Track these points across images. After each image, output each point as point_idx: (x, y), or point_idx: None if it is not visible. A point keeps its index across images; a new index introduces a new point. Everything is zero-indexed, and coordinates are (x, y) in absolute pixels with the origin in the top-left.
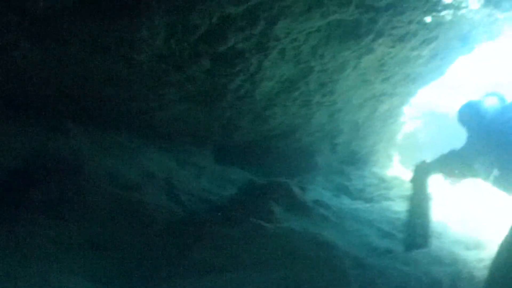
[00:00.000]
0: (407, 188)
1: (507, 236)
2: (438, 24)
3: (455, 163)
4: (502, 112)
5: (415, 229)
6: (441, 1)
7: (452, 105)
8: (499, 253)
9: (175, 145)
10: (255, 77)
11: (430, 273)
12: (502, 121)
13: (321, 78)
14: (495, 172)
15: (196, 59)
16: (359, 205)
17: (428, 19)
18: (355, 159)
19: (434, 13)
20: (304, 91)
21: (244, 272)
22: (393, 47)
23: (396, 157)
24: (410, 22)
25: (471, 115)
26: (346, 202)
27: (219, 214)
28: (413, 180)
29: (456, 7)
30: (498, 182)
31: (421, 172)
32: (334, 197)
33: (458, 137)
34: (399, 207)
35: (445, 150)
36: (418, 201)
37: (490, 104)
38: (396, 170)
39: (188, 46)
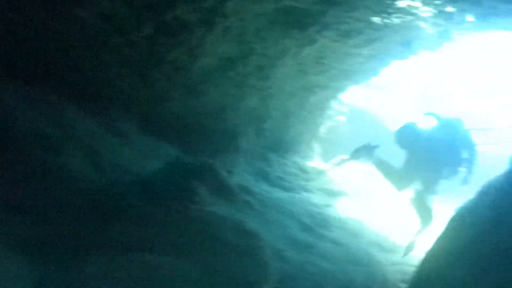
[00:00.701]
0: (326, 182)
1: (433, 245)
2: (384, 26)
3: None
4: (438, 131)
5: None
6: (395, 4)
7: (378, 105)
8: (425, 261)
9: (102, 109)
10: (195, 51)
11: (347, 272)
12: (437, 140)
13: (259, 62)
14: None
15: (140, 24)
16: (280, 194)
17: (376, 19)
18: (279, 147)
19: (384, 15)
20: (240, 72)
21: (164, 254)
22: (336, 41)
23: (317, 149)
24: (358, 20)
25: (407, 137)
26: (265, 189)
27: (141, 188)
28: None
29: (407, 12)
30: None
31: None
32: (255, 183)
33: (378, 137)
34: (318, 200)
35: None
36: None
37: (426, 124)
38: (316, 162)
39: (134, 9)
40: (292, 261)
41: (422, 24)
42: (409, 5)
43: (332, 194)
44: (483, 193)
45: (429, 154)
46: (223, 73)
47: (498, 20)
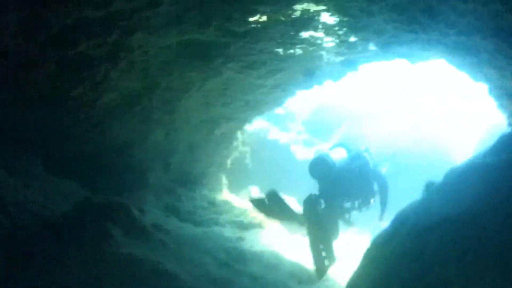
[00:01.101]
0: (236, 214)
1: (353, 277)
2: (288, 56)
3: None
4: (350, 162)
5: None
6: (298, 35)
7: (282, 135)
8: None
9: (3, 149)
10: (100, 86)
11: None
12: (349, 170)
13: (164, 95)
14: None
15: (42, 61)
16: (193, 229)
17: (280, 50)
18: (187, 180)
19: (287, 46)
20: (146, 106)
21: None
22: (240, 73)
23: (225, 181)
24: (261, 51)
25: (321, 168)
26: (178, 225)
27: (52, 232)
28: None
29: (310, 42)
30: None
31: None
32: (168, 220)
33: (284, 165)
34: (230, 233)
35: (272, 178)
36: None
37: (338, 155)
38: (225, 194)
39: (36, 46)
40: None
41: (324, 54)
42: (312, 36)
43: (244, 226)
44: (400, 222)
45: (341, 185)
46: (128, 108)
47: (400, 49)
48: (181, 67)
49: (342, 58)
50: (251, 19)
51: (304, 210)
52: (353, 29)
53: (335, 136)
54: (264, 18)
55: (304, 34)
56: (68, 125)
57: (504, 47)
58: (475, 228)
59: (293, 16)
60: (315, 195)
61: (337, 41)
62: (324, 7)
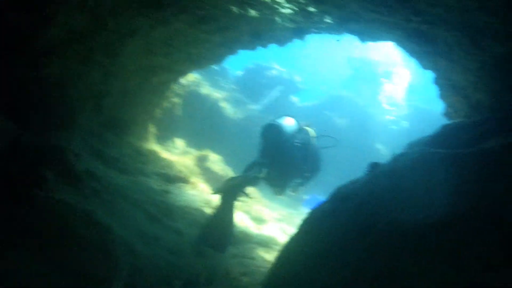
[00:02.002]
0: (162, 166)
1: (287, 248)
2: (241, 16)
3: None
4: (296, 133)
5: (220, 236)
6: None
7: (213, 91)
8: (280, 264)
9: None
10: (47, 21)
11: (192, 265)
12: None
13: (110, 38)
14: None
15: None
16: (121, 178)
17: (234, 8)
18: (116, 125)
19: (244, 5)
20: (89, 46)
21: (9, 247)
22: (189, 25)
23: (153, 131)
24: (215, 7)
25: (273, 134)
26: (105, 171)
27: None
28: (223, 195)
29: (268, 6)
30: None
31: (230, 190)
32: (98, 165)
33: (212, 120)
34: (156, 185)
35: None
36: (224, 213)
37: (288, 124)
38: (152, 144)
39: None
40: (142, 255)
41: (278, 19)
42: (273, 1)
43: (169, 179)
44: (341, 199)
45: (283, 153)
46: (70, 46)
47: (355, 26)
48: (132, 12)
49: (294, 25)
50: None
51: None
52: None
53: (265, 99)
54: None
55: None
56: (7, 57)
57: (465, 42)
58: (432, 223)
59: None
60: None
61: (296, 9)
62: None
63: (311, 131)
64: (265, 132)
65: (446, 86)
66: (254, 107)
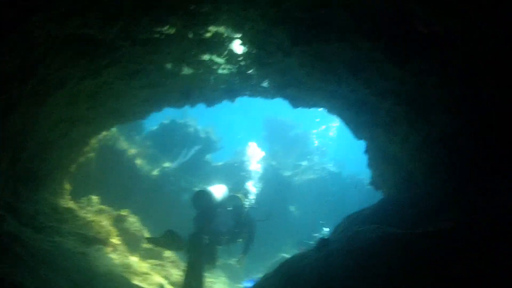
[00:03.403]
0: (79, 226)
1: None
2: (174, 73)
3: None
4: (227, 200)
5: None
6: (199, 56)
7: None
8: None
9: None
10: None
11: None
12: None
13: (38, 86)
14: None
15: None
16: (43, 241)
17: (169, 66)
18: (31, 179)
19: (180, 63)
20: (14, 94)
21: None
22: (120, 79)
23: (68, 186)
24: (151, 62)
25: (203, 201)
26: (32, 236)
27: None
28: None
29: (206, 66)
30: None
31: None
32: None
33: (127, 177)
34: (73, 247)
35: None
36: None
37: (219, 191)
38: (66, 200)
39: None
40: None
41: (212, 79)
42: (212, 60)
43: (88, 241)
44: (291, 276)
45: (215, 221)
46: None
47: (292, 91)
48: (64, 60)
49: (226, 86)
50: (158, 29)
51: (190, 245)
52: (259, 63)
53: (182, 158)
54: (172, 30)
55: (205, 57)
56: None
57: (412, 115)
58: None
59: (202, 36)
60: (198, 233)
61: (235, 70)
62: (239, 35)
63: (243, 198)
64: (196, 199)
65: (377, 156)
66: (170, 165)
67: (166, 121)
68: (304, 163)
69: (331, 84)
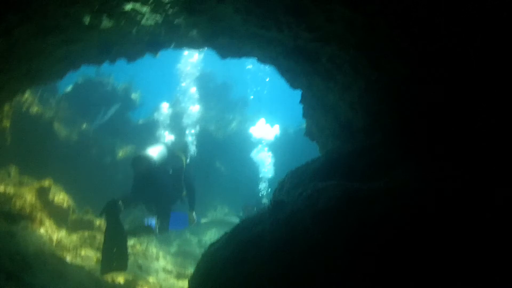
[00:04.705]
0: (1, 202)
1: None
2: (93, 27)
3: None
4: (167, 162)
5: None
6: (121, 6)
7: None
8: None
9: None
10: None
11: None
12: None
13: None
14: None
15: None
16: None
17: (87, 19)
18: None
19: (98, 15)
20: None
21: None
22: (34, 36)
23: None
24: (67, 15)
25: (143, 166)
26: None
27: None
28: (106, 216)
29: (128, 17)
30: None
31: (113, 210)
32: None
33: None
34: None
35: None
36: (114, 234)
37: (159, 154)
38: None
39: None
40: None
41: (134, 31)
42: (135, 10)
43: (12, 218)
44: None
45: (155, 183)
46: None
47: (224, 40)
48: None
49: (150, 38)
50: None
51: (106, 214)
52: (188, 11)
53: (102, 118)
54: None
55: (128, 7)
56: None
57: (362, 61)
58: None
59: None
60: (113, 200)
61: (160, 20)
62: None
63: (182, 156)
64: (135, 165)
65: (314, 105)
66: (89, 126)
67: (80, 81)
68: (230, 116)
69: (270, 30)
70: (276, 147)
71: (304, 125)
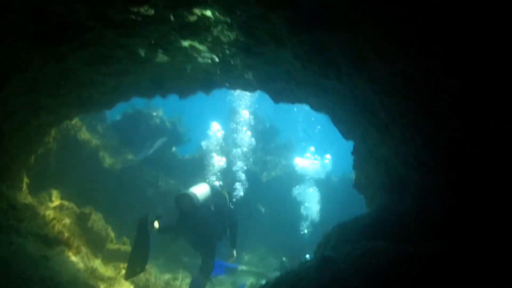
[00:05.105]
0: (40, 225)
1: None
2: (147, 60)
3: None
4: (211, 199)
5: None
6: (179, 42)
7: (91, 137)
8: None
9: None
10: None
11: None
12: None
13: None
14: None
15: None
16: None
17: (142, 52)
18: None
19: (155, 49)
20: None
21: None
22: (88, 65)
23: (26, 180)
24: (122, 47)
25: (188, 204)
26: None
27: None
28: (138, 227)
29: (185, 53)
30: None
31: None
32: None
33: (90, 171)
34: (34, 249)
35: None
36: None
37: (202, 192)
38: (25, 194)
39: None
40: None
41: (189, 68)
42: (192, 47)
43: (49, 242)
44: None
45: (200, 221)
46: None
47: (279, 85)
48: (25, 42)
49: (204, 77)
50: (135, 9)
51: (138, 225)
52: (246, 52)
53: (148, 150)
54: (151, 11)
55: (185, 43)
56: None
57: (421, 117)
58: None
59: (186, 20)
60: (146, 217)
61: (217, 60)
62: (227, 20)
63: (226, 195)
64: (179, 203)
65: (367, 157)
66: (134, 157)
67: (130, 111)
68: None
69: (329, 79)
70: (322, 185)
71: (348, 175)
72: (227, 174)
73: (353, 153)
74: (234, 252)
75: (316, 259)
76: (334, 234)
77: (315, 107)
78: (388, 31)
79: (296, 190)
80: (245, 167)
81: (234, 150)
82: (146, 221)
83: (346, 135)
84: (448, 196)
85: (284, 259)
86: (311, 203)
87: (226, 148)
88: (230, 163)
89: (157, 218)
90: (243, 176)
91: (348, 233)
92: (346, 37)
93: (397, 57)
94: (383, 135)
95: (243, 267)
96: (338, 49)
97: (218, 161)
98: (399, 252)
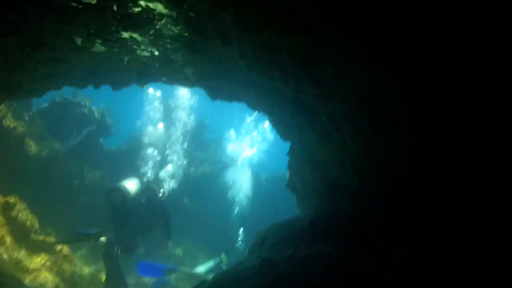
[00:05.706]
0: None
1: None
2: (84, 48)
3: None
4: (141, 193)
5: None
6: (119, 33)
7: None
8: None
9: None
10: None
11: None
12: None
13: None
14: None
15: None
16: None
17: (79, 40)
18: None
19: (92, 38)
20: None
21: None
22: (22, 50)
23: None
24: (59, 34)
25: (117, 198)
26: None
27: None
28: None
29: (124, 45)
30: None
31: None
32: None
33: (15, 159)
34: None
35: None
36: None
37: (131, 187)
38: None
39: None
40: None
41: (126, 60)
42: (133, 39)
43: None
44: None
45: (132, 214)
46: None
47: (218, 83)
48: None
49: (140, 69)
50: None
51: (104, 256)
52: (189, 48)
53: (74, 140)
54: (94, 0)
55: (126, 34)
56: None
57: (364, 121)
58: None
59: (129, 10)
60: (111, 245)
61: (157, 53)
62: (172, 13)
63: (156, 189)
64: (110, 197)
65: (303, 158)
66: (60, 147)
67: (58, 99)
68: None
69: (274, 80)
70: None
71: (277, 174)
72: (160, 168)
73: (289, 153)
74: (170, 243)
75: (254, 260)
76: (270, 235)
77: (253, 107)
78: (341, 36)
79: (229, 173)
80: (179, 162)
81: (167, 144)
82: (111, 249)
83: (284, 135)
84: (378, 200)
85: (222, 255)
86: (243, 182)
87: (160, 142)
88: (163, 156)
89: (101, 235)
90: (177, 170)
91: (285, 234)
92: (296, 38)
93: (347, 62)
94: (322, 139)
95: (187, 269)
96: (287, 50)
97: (152, 154)
98: (336, 259)
